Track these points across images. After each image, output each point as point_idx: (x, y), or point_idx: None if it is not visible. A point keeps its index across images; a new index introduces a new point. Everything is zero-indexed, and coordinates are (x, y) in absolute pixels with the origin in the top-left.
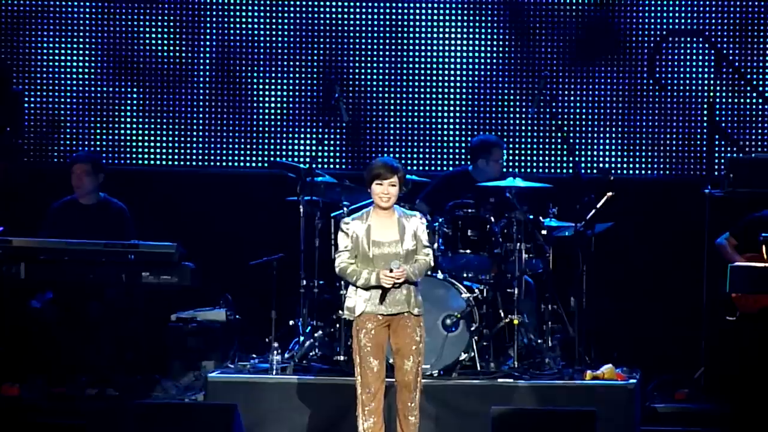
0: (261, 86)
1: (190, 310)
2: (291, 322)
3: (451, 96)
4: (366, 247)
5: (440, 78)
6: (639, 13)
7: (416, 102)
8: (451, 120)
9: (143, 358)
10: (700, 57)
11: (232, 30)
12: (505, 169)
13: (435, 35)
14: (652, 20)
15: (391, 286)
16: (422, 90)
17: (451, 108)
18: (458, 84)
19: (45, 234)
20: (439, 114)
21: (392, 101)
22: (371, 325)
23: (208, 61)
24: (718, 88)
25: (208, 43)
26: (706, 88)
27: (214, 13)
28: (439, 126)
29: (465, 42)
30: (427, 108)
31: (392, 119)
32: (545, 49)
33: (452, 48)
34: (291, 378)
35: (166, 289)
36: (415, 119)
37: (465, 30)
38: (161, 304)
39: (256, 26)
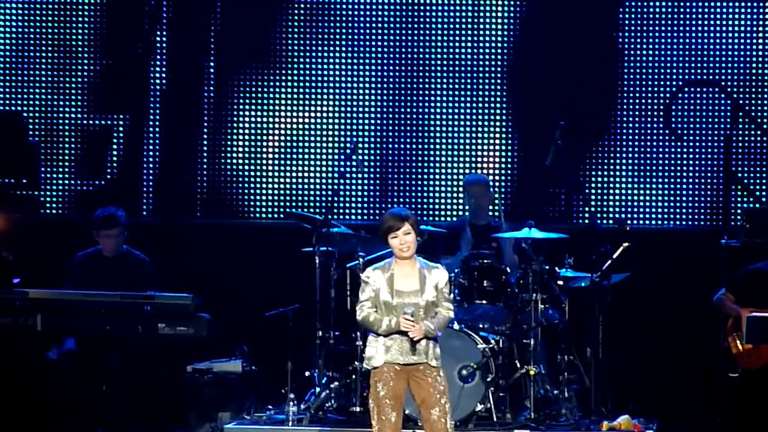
0: (276, 139)
1: (206, 361)
2: (307, 373)
3: (467, 147)
4: (388, 296)
5: (455, 129)
6: (655, 63)
7: (431, 153)
8: (466, 170)
9: (159, 409)
10: (717, 107)
11: (244, 82)
12: (520, 220)
13: (448, 87)
14: (669, 70)
15: (414, 334)
16: (437, 141)
17: (467, 158)
18: (473, 135)
19: (70, 285)
20: (454, 164)
21: (408, 152)
22: (389, 375)
23: (222, 112)
24: (734, 138)
25: (220, 94)
26: (722, 138)
27: (215, 65)
28: (454, 176)
29: (478, 93)
30: (443, 159)
31: (408, 171)
32: (559, 98)
33: (465, 99)
34: (307, 429)
35: (182, 341)
36: (431, 170)
37: (476, 81)
38: (177, 355)
39: (270, 77)
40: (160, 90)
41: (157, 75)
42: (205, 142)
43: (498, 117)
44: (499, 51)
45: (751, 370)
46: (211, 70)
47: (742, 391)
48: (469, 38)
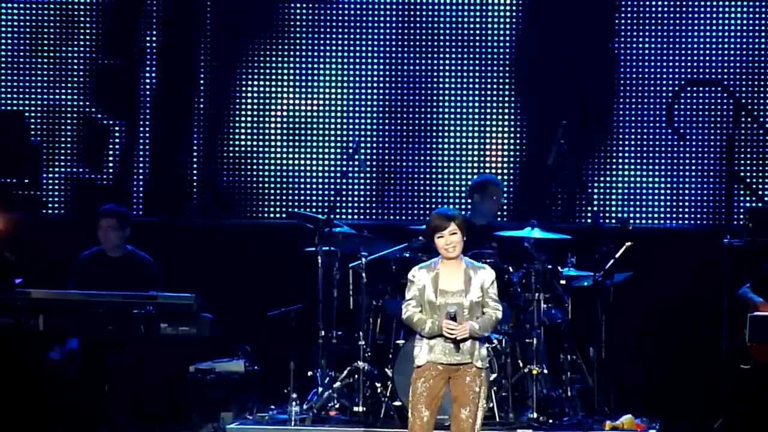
0: (278, 137)
1: (209, 361)
2: (309, 373)
3: (470, 147)
4: (433, 295)
5: (458, 129)
6: (657, 62)
7: (434, 153)
8: (470, 171)
9: (162, 409)
10: (719, 106)
11: (245, 79)
12: (524, 219)
13: (451, 87)
14: (671, 69)
15: (453, 337)
16: (440, 141)
17: (470, 159)
18: (476, 135)
19: (74, 285)
20: (458, 165)
21: (411, 152)
22: (430, 374)
23: (225, 112)
24: (736, 137)
25: (220, 92)
26: (724, 137)
27: (211, 62)
28: (459, 177)
29: (481, 92)
30: (447, 159)
31: (411, 170)
32: (562, 98)
33: (469, 99)
34: (310, 429)
35: (184, 341)
36: (435, 171)
37: (480, 80)
38: (180, 355)
39: (269, 74)
40: (157, 89)
41: (153, 74)
42: (208, 141)
43: (501, 117)
44: (503, 50)
45: (764, 364)
46: (208, 67)
47: (753, 385)
48: (474, 38)
